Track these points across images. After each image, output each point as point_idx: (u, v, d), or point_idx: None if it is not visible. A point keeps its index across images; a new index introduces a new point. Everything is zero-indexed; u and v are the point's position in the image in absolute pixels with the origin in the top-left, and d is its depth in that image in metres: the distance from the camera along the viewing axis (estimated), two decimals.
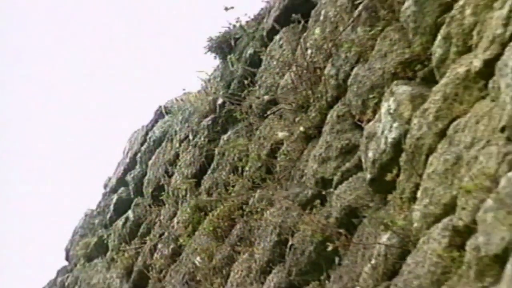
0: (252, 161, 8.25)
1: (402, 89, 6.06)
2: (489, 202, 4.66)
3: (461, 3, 5.58)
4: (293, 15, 8.26)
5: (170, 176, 10.32)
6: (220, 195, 8.81)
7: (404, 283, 5.43)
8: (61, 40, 35.27)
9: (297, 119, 7.64)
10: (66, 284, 12.93)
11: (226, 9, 8.90)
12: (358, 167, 6.56)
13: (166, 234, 9.93)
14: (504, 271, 4.46)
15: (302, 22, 8.14)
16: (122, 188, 11.94)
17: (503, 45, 4.97)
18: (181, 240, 9.38)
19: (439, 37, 5.78)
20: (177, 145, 10.33)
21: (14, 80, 34.77)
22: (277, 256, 7.34)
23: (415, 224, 5.50)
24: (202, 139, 9.63)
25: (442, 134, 5.46)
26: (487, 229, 4.64)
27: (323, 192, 6.90)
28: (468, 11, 5.48)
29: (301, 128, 7.49)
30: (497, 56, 5.01)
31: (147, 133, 11.59)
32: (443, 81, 5.60)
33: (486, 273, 4.66)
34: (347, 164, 6.72)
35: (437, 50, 5.78)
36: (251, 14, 9.26)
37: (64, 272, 13.39)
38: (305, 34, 8.03)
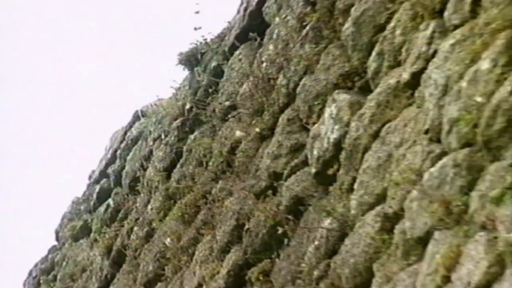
0: (215, 157, 8.21)
1: (342, 97, 6.06)
2: (415, 193, 4.68)
3: (392, 25, 5.59)
4: (251, 33, 8.23)
5: (145, 170, 10.23)
6: (187, 186, 8.75)
7: (342, 261, 5.44)
8: (62, 41, 34.74)
9: (253, 122, 7.62)
10: (56, 260, 12.80)
11: (195, 29, 8.92)
12: (305, 162, 6.56)
13: (141, 218, 9.85)
14: (425, 251, 4.48)
15: (258, 39, 8.11)
16: (104, 180, 11.81)
17: (427, 61, 5.00)
18: (154, 224, 9.31)
19: (373, 53, 5.79)
20: (151, 143, 10.24)
21: (6, 80, 34.20)
22: (235, 238, 7.31)
23: (352, 211, 5.50)
24: (173, 138, 9.55)
25: (375, 135, 5.47)
26: (412, 215, 4.66)
27: (275, 184, 6.89)
28: (398, 32, 5.50)
29: (257, 129, 7.47)
30: (422, 70, 5.05)
31: (125, 133, 11.47)
32: (377, 90, 5.61)
33: (411, 253, 4.69)
34: (296, 160, 6.71)
35: (372, 64, 5.79)
36: (215, 33, 9.23)
37: (54, 250, 13.24)
38: (260, 50, 8.01)
